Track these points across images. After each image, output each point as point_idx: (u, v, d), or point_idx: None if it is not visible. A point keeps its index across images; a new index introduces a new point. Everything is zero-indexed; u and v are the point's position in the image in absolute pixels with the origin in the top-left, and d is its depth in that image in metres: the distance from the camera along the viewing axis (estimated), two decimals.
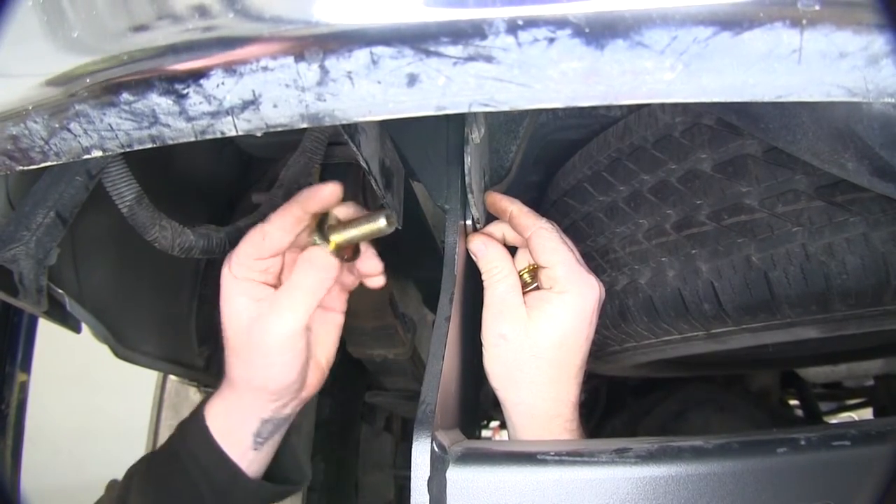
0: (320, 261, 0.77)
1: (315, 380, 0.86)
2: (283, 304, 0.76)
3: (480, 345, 0.79)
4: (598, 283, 0.78)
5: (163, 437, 1.69)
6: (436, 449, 0.57)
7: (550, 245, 0.77)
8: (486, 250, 0.80)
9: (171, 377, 1.70)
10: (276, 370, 0.79)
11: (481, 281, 0.80)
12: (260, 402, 0.83)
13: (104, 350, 1.11)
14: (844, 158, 0.62)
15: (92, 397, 3.30)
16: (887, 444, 0.56)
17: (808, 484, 0.55)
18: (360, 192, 0.98)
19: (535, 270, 0.80)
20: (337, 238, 0.79)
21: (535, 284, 0.79)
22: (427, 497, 0.56)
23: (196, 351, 1.47)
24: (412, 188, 0.90)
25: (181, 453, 0.84)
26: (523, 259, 0.82)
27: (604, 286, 0.79)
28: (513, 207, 0.82)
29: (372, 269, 0.87)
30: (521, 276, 0.80)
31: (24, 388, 1.23)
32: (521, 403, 0.76)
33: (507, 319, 0.76)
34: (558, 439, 0.74)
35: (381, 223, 0.78)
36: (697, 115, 0.85)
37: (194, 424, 0.85)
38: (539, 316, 0.75)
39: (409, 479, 0.57)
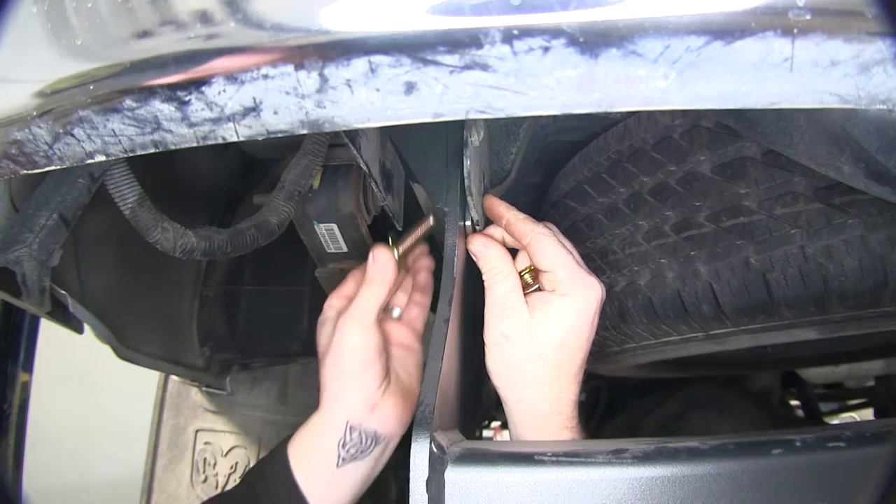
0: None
1: (405, 414, 0.89)
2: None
3: (480, 346, 0.79)
4: (600, 285, 0.79)
5: (164, 437, 1.70)
6: (434, 449, 0.58)
7: (550, 249, 0.78)
8: (486, 251, 0.81)
9: (173, 378, 1.71)
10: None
11: (481, 282, 0.81)
12: (347, 406, 0.85)
13: (106, 351, 1.12)
14: (841, 162, 0.62)
15: (94, 398, 3.30)
16: (883, 445, 0.56)
17: (804, 485, 0.55)
18: (360, 195, 0.98)
19: (536, 271, 0.80)
20: (401, 248, 0.93)
21: (536, 286, 0.80)
22: (426, 497, 0.56)
23: (197, 351, 1.47)
24: (412, 190, 0.91)
25: (258, 489, 0.85)
26: (524, 260, 0.83)
27: (604, 285, 0.80)
28: (509, 215, 0.83)
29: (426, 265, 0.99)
30: (522, 277, 0.80)
31: (26, 388, 1.23)
32: (523, 402, 0.77)
33: (508, 319, 0.76)
34: (556, 440, 0.75)
35: (430, 221, 0.93)
36: (696, 117, 0.85)
37: (276, 457, 0.86)
38: (541, 317, 0.76)
39: (408, 479, 0.58)
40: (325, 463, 0.84)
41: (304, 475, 0.84)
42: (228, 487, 1.65)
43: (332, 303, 0.93)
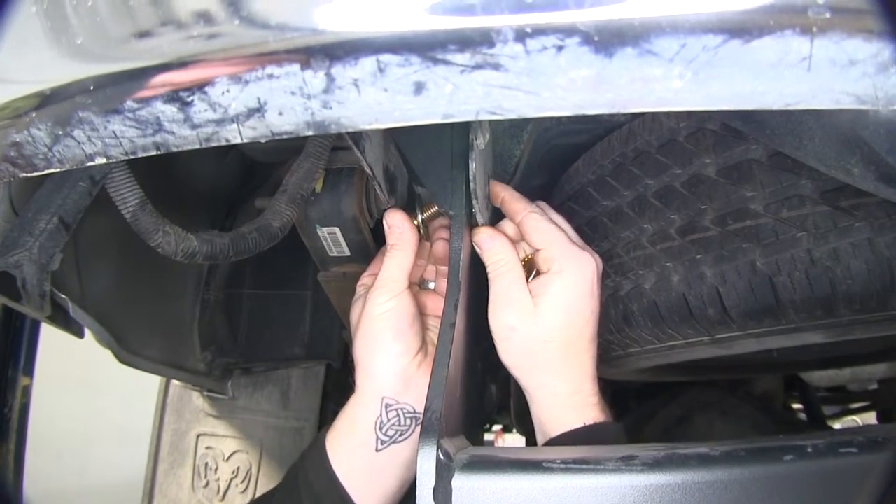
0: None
1: None
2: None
3: (484, 349, 0.79)
4: (595, 256, 0.81)
5: (165, 442, 1.69)
6: (441, 457, 0.57)
7: (541, 226, 0.81)
8: (491, 242, 0.82)
9: (174, 382, 1.70)
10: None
11: (482, 284, 0.81)
12: (380, 382, 0.81)
13: (107, 355, 1.11)
14: (850, 164, 0.62)
15: (94, 402, 3.30)
16: (894, 450, 0.56)
17: (815, 491, 0.55)
18: (363, 198, 0.98)
19: (529, 262, 0.82)
20: (424, 214, 0.91)
21: (534, 272, 0.82)
22: None
23: (199, 356, 1.47)
24: (416, 193, 0.91)
25: (299, 478, 0.81)
26: (520, 251, 0.85)
27: (608, 289, 0.79)
28: (505, 193, 0.86)
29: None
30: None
31: (26, 392, 1.23)
32: (543, 386, 0.78)
33: (513, 311, 0.78)
34: (564, 447, 0.74)
35: None
36: (702, 119, 0.85)
37: (314, 445, 0.83)
38: (543, 301, 0.77)
39: (414, 486, 0.57)
40: (363, 448, 0.80)
41: (342, 462, 0.80)
42: (230, 492, 1.65)
43: (364, 281, 0.91)
